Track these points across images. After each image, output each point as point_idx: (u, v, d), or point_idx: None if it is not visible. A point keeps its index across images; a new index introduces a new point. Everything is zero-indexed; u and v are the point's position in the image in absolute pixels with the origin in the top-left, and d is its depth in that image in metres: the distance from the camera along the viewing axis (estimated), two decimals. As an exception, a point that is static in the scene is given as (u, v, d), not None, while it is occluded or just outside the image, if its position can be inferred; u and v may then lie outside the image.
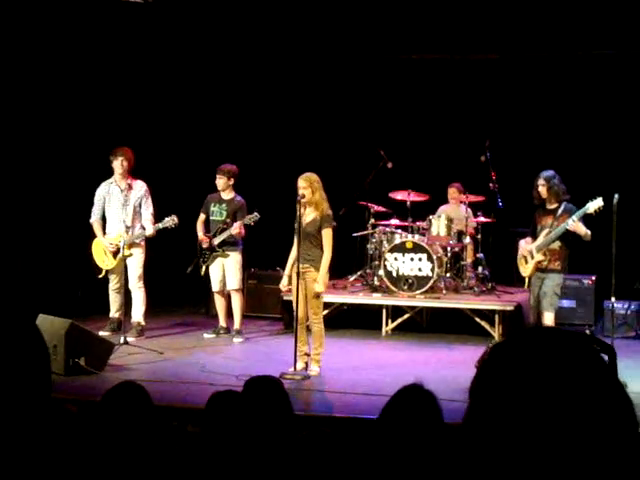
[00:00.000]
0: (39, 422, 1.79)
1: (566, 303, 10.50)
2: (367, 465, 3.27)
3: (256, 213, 10.14)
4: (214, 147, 12.68)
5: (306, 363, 8.40)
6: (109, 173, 10.31)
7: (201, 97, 13.22)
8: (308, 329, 8.58)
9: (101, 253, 10.28)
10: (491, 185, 11.49)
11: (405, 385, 3.47)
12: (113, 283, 10.33)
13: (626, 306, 10.55)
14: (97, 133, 11.61)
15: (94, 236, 10.34)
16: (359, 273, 11.85)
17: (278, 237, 9.58)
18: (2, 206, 10.73)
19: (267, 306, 11.70)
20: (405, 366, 8.76)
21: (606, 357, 1.41)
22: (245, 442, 3.52)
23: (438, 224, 11.27)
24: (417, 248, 10.88)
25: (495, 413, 1.36)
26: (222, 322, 10.57)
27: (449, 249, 11.26)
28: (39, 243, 11.20)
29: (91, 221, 10.33)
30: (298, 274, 8.25)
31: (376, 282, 11.20)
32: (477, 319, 10.44)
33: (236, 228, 10.11)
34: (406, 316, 10.91)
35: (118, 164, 10.13)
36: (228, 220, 10.25)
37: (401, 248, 10.95)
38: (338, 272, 11.46)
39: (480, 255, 11.56)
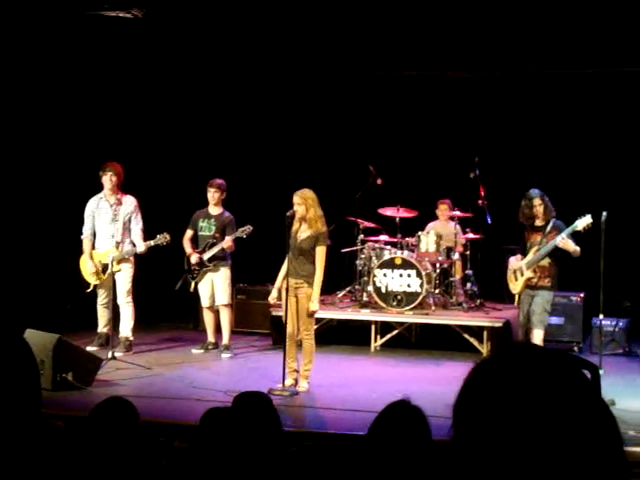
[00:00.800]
0: (28, 437, 1.78)
1: (554, 320, 10.50)
2: (355, 482, 3.26)
3: (249, 225, 10.14)
4: (203, 162, 12.67)
5: (295, 379, 8.38)
6: (99, 187, 10.28)
7: (191, 112, 13.22)
8: (298, 345, 8.57)
9: (87, 269, 10.24)
10: (480, 202, 11.52)
11: (393, 401, 3.47)
12: (101, 298, 10.30)
13: (614, 323, 10.56)
14: (87, 148, 11.60)
15: (83, 251, 10.31)
16: (348, 289, 11.85)
17: (267, 253, 9.58)
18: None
19: (256, 322, 11.67)
20: (394, 382, 8.75)
21: (589, 375, 1.41)
22: (234, 458, 3.51)
23: (427, 240, 11.28)
24: (406, 264, 10.89)
25: (478, 432, 1.36)
26: (211, 337, 10.55)
27: (438, 265, 11.27)
28: (28, 257, 11.17)
29: (82, 237, 10.29)
30: (287, 290, 8.25)
31: (365, 298, 11.20)
32: (466, 335, 10.44)
33: (227, 242, 10.11)
34: (395, 332, 10.91)
35: (107, 179, 10.09)
36: (217, 235, 10.25)
37: (390, 264, 10.95)
38: (327, 288, 11.42)
39: (469, 271, 11.57)
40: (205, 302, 10.43)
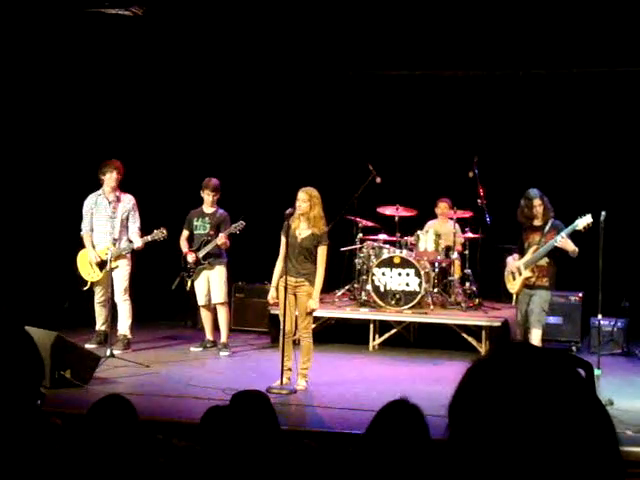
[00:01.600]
0: (28, 434, 1.79)
1: (553, 320, 10.50)
2: (353, 480, 3.26)
3: (242, 221, 10.14)
4: (201, 160, 12.66)
5: (289, 378, 8.36)
6: (96, 184, 10.28)
7: (189, 109, 13.22)
8: (295, 343, 8.57)
9: (86, 265, 10.25)
10: (479, 201, 11.52)
11: (391, 400, 3.47)
12: (99, 296, 10.30)
13: (613, 323, 10.56)
14: (84, 145, 11.59)
15: (83, 247, 10.31)
16: (347, 288, 11.85)
17: (266, 250, 9.56)
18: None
19: (254, 320, 11.67)
20: (392, 381, 8.75)
21: (583, 373, 1.41)
22: (232, 456, 3.50)
23: (426, 239, 11.28)
24: (405, 263, 10.89)
25: (473, 431, 1.36)
26: (209, 335, 10.55)
27: (437, 264, 11.27)
28: (25, 255, 11.16)
29: (82, 233, 10.31)
30: (286, 288, 8.25)
31: (364, 297, 11.20)
32: (464, 335, 10.44)
33: (221, 238, 10.11)
34: (393, 331, 10.90)
35: (110, 178, 10.09)
36: (212, 232, 10.25)
37: (389, 263, 10.95)
38: (326, 286, 11.41)
39: (468, 271, 11.57)
40: (201, 300, 10.42)
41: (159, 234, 10.00)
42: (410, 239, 11.43)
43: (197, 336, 10.86)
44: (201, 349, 10.43)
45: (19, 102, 11.04)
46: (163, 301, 11.93)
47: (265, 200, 12.11)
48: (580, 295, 10.90)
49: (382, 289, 10.92)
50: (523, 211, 8.87)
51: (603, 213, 8.28)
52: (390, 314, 10.86)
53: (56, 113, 11.54)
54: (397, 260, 10.93)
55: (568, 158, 12.57)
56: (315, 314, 9.02)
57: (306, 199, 8.28)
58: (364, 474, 3.25)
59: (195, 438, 3.95)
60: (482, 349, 10.22)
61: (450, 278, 11.45)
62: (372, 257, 11.24)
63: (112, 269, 9.92)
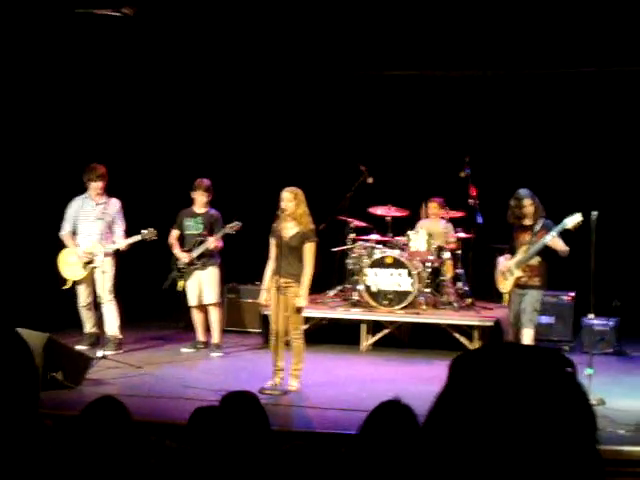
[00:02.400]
0: (24, 437, 1.78)
1: (545, 319, 10.52)
2: (346, 481, 3.26)
3: (237, 222, 10.13)
4: (192, 161, 12.65)
5: (281, 379, 8.36)
6: (80, 186, 10.25)
7: (181, 110, 13.20)
8: (286, 344, 8.56)
9: (67, 264, 10.18)
10: (471, 201, 11.53)
11: (384, 401, 3.47)
12: (82, 298, 10.23)
13: (605, 322, 10.57)
14: (72, 146, 11.55)
15: (64, 248, 10.25)
16: (339, 288, 11.84)
17: (257, 251, 9.56)
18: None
19: (246, 320, 11.68)
20: (384, 381, 8.76)
21: (569, 369, 1.42)
22: (223, 458, 3.50)
23: (418, 239, 11.29)
24: (397, 263, 10.89)
25: (453, 428, 1.36)
26: (200, 336, 10.53)
27: (429, 264, 11.28)
28: (14, 255, 11.11)
29: (61, 234, 10.24)
30: (278, 288, 8.25)
31: (355, 297, 11.20)
32: (456, 335, 10.45)
33: (214, 241, 10.10)
34: (385, 331, 10.90)
35: (97, 185, 10.07)
36: (205, 233, 10.23)
37: (381, 263, 10.95)
38: (317, 287, 11.43)
39: (460, 270, 11.58)
40: (193, 301, 10.39)
41: (148, 234, 9.95)
42: (402, 239, 11.44)
43: (189, 337, 10.83)
44: (192, 350, 10.42)
45: (6, 102, 10.99)
46: (156, 301, 11.91)
47: (256, 200, 12.10)
48: (572, 295, 10.93)
49: (374, 289, 10.92)
50: (513, 211, 8.88)
51: (594, 213, 8.29)
52: (382, 314, 10.86)
53: (46, 113, 11.49)
54: (389, 260, 10.94)
55: (559, 158, 12.61)
56: (307, 314, 9.03)
57: (291, 198, 8.28)
58: (357, 475, 3.25)
59: (185, 438, 3.95)
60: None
61: (442, 278, 11.45)
62: (364, 257, 11.23)
63: (97, 268, 9.85)
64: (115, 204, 10.23)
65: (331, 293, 11.80)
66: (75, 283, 10.21)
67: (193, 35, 12.02)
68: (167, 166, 12.93)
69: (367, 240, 11.59)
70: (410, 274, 10.79)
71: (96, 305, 10.06)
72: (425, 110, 13.17)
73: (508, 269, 8.91)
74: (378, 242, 11.54)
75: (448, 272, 11.47)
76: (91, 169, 10.13)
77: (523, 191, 8.88)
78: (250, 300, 11.56)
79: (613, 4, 10.73)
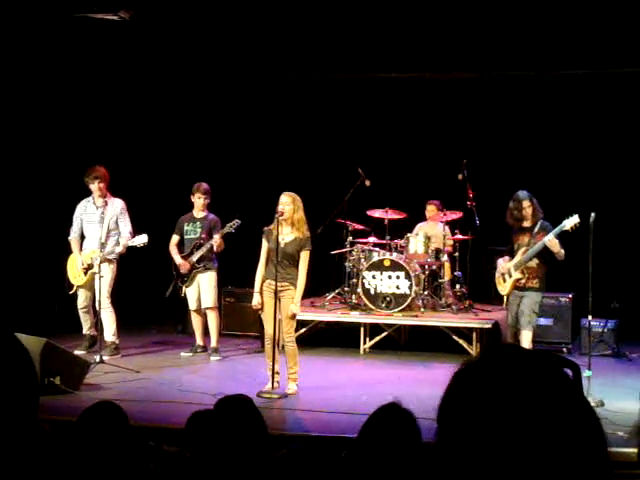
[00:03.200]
0: (23, 443, 1.77)
1: (543, 321, 10.52)
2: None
3: (236, 220, 10.12)
4: (190, 165, 12.65)
5: (278, 382, 8.33)
6: (85, 189, 10.26)
7: (178, 114, 13.20)
8: (282, 348, 8.53)
9: (74, 269, 10.23)
10: (468, 203, 11.53)
11: (383, 404, 3.46)
12: (81, 301, 10.25)
13: (603, 324, 10.57)
14: (73, 150, 11.55)
15: (71, 252, 10.29)
16: (337, 291, 11.84)
17: (255, 255, 9.54)
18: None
19: (244, 324, 11.65)
20: (383, 384, 8.74)
21: (571, 373, 1.41)
22: (221, 462, 3.49)
23: (416, 242, 11.28)
24: (395, 266, 10.89)
25: (461, 435, 1.36)
26: (199, 340, 10.53)
27: (427, 267, 11.27)
28: (14, 260, 11.11)
29: (69, 238, 10.31)
30: (275, 292, 8.23)
31: (354, 300, 11.19)
32: (455, 337, 10.44)
33: (217, 240, 10.09)
34: (384, 334, 10.89)
35: (95, 187, 10.09)
36: (203, 237, 10.23)
37: (379, 266, 10.95)
38: (316, 290, 11.45)
39: (458, 273, 11.58)
40: (192, 305, 10.41)
41: (140, 240, 9.93)
42: (400, 242, 11.43)
43: (187, 341, 10.84)
44: (191, 354, 10.41)
45: (7, 106, 10.99)
46: (154, 306, 11.90)
47: (255, 204, 12.09)
48: (570, 296, 10.92)
49: (372, 292, 10.92)
50: (512, 213, 8.88)
51: (592, 214, 8.29)
52: (380, 317, 10.85)
53: (45, 117, 11.50)
54: (387, 263, 10.93)
55: (557, 160, 12.60)
56: (305, 317, 9.03)
57: (290, 202, 8.26)
58: (356, 478, 3.24)
59: (183, 443, 3.94)
60: (473, 351, 10.21)
61: (440, 280, 11.45)
62: (362, 260, 11.23)
63: (96, 273, 9.87)
64: (117, 204, 10.22)
65: (329, 296, 11.79)
66: (77, 288, 10.23)
67: (191, 39, 12.00)
68: (167, 171, 12.92)
69: (365, 243, 11.58)
70: (408, 277, 10.78)
71: (95, 308, 10.05)
72: (422, 113, 13.17)
73: (507, 271, 8.90)
74: (376, 245, 11.54)
75: (446, 274, 11.48)
76: (89, 170, 10.13)
77: (522, 193, 8.88)
78: (248, 304, 11.53)
79: (609, 6, 10.72)
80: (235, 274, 11.62)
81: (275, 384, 8.26)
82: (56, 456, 3.26)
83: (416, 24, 11.42)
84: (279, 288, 8.24)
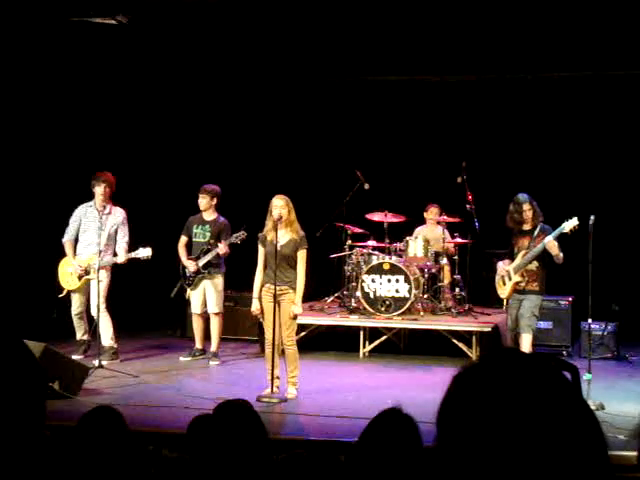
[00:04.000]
0: (30, 448, 1.77)
1: (543, 324, 10.51)
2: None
3: (243, 231, 10.09)
4: (193, 169, 12.65)
5: (277, 387, 8.31)
6: (84, 195, 10.23)
7: (179, 118, 13.19)
8: (282, 352, 8.52)
9: (66, 273, 10.19)
10: (468, 206, 11.52)
11: (384, 409, 3.44)
12: (75, 306, 10.22)
13: (603, 327, 10.57)
14: (71, 155, 11.55)
15: (64, 256, 10.25)
16: (336, 295, 11.83)
17: (252, 258, 9.53)
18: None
19: (244, 328, 11.65)
20: (383, 388, 8.73)
21: (569, 376, 1.40)
22: (221, 467, 3.48)
23: (415, 245, 11.27)
24: (394, 269, 10.87)
25: (461, 439, 1.35)
26: (198, 344, 10.50)
27: (426, 270, 11.26)
28: (11, 265, 11.09)
29: (63, 240, 10.24)
30: (274, 296, 8.22)
31: (353, 304, 11.18)
32: (454, 340, 10.43)
33: (222, 248, 10.06)
34: (383, 338, 10.88)
35: (101, 190, 10.04)
36: (212, 241, 10.20)
37: (378, 269, 10.94)
38: (315, 294, 11.43)
39: (457, 276, 11.57)
40: (196, 309, 10.38)
41: (144, 253, 9.89)
42: (399, 245, 11.42)
43: (186, 345, 10.81)
44: (190, 358, 10.39)
45: (5, 111, 10.99)
46: (153, 310, 11.89)
47: (254, 208, 12.07)
48: (570, 299, 10.91)
49: (372, 296, 10.90)
50: (512, 216, 8.88)
51: (592, 217, 8.29)
52: (380, 321, 10.84)
53: (45, 122, 11.49)
54: (386, 266, 10.92)
55: (556, 163, 12.61)
56: (305, 321, 9.01)
57: (284, 205, 8.27)
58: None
59: (184, 448, 3.93)
60: (473, 355, 10.21)
61: (440, 284, 11.44)
62: (361, 264, 11.23)
63: (91, 279, 9.84)
64: (119, 214, 10.18)
65: (329, 300, 11.79)
66: (70, 291, 10.19)
67: (189, 43, 12.00)
68: (171, 174, 12.92)
69: (364, 246, 11.57)
70: (407, 280, 10.77)
71: (89, 314, 10.02)
72: (421, 116, 13.18)
73: (507, 274, 8.90)
74: (375, 248, 11.52)
75: (446, 278, 11.47)
76: (97, 175, 10.09)
77: (522, 196, 8.88)
78: (247, 308, 11.53)
79: (608, 8, 10.73)
80: (233, 278, 11.59)
81: (275, 389, 8.24)
82: (55, 461, 3.25)
83: (415, 27, 11.42)
84: (278, 292, 8.23)
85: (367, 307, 10.90)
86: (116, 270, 10.23)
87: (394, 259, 11.08)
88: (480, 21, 11.17)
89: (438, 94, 13.10)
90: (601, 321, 10.44)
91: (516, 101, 12.82)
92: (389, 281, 10.85)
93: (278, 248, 8.25)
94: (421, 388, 8.51)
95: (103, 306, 10.01)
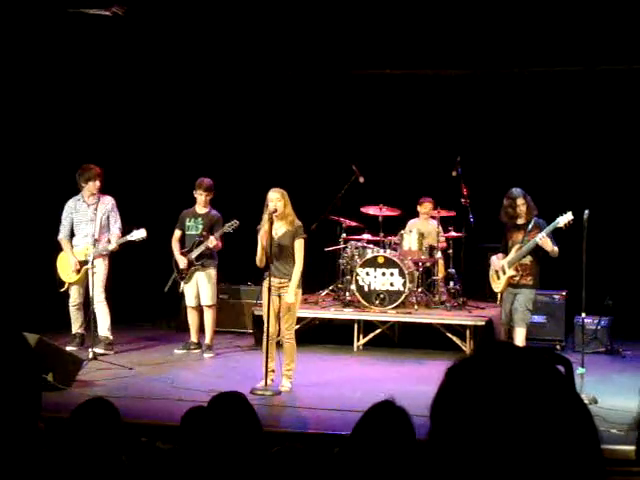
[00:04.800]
0: (24, 441, 1.77)
1: (537, 318, 10.51)
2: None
3: (235, 220, 10.10)
4: (186, 161, 12.63)
5: (272, 380, 8.32)
6: (73, 188, 10.22)
7: (173, 110, 13.16)
8: (278, 344, 8.53)
9: (66, 266, 10.20)
10: (462, 200, 11.52)
11: (378, 402, 3.45)
12: (73, 298, 10.24)
13: (596, 321, 10.59)
14: (63, 148, 11.50)
15: (61, 250, 10.25)
16: (331, 288, 11.84)
17: (250, 251, 9.54)
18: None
19: (238, 321, 11.64)
20: (377, 381, 8.74)
21: (563, 370, 1.41)
22: (215, 458, 3.48)
23: (410, 239, 11.28)
24: (389, 263, 10.88)
25: (454, 432, 1.35)
26: (193, 337, 10.50)
27: (421, 264, 11.27)
28: (6, 257, 11.07)
29: (59, 238, 10.25)
30: (269, 289, 8.23)
31: (348, 297, 11.19)
32: (448, 334, 10.44)
33: (213, 240, 10.06)
34: (378, 331, 10.89)
35: (93, 186, 10.04)
36: (204, 233, 10.20)
37: (373, 263, 10.94)
38: (310, 287, 11.42)
39: (452, 270, 11.58)
40: (190, 302, 10.38)
41: (138, 235, 9.91)
42: (394, 239, 11.43)
43: (180, 338, 10.81)
44: (184, 351, 10.39)
45: (3, 104, 10.95)
46: (147, 302, 11.88)
47: (248, 200, 12.06)
48: (564, 294, 10.93)
49: (366, 289, 10.91)
50: (506, 210, 8.88)
51: (586, 211, 8.30)
52: (374, 314, 10.85)
53: (39, 114, 11.45)
54: (381, 260, 10.93)
55: (551, 157, 12.61)
56: (299, 314, 9.01)
57: (280, 197, 8.29)
58: (350, 475, 3.24)
59: (178, 440, 3.93)
60: (466, 348, 10.22)
61: (434, 278, 11.46)
62: (356, 257, 11.23)
63: (90, 269, 9.85)
64: (108, 202, 10.20)
65: (323, 293, 11.79)
66: (70, 284, 10.21)
67: (185, 35, 11.98)
68: (164, 166, 12.89)
69: (359, 240, 11.58)
70: (402, 274, 10.78)
71: (86, 306, 10.03)
72: (416, 109, 13.17)
73: (501, 268, 8.91)
74: (370, 242, 11.53)
75: (440, 272, 11.48)
76: (88, 169, 10.07)
77: (516, 190, 8.89)
78: (242, 300, 11.56)
79: (602, 3, 10.73)
80: (229, 271, 11.59)
81: (269, 381, 8.25)
82: (48, 452, 3.25)
83: (410, 21, 11.42)
84: (279, 284, 8.26)
85: (361, 300, 10.91)
86: (113, 259, 10.23)
87: (389, 252, 11.09)
88: (475, 15, 11.17)
89: (433, 88, 13.09)
90: (595, 315, 10.46)
91: (511, 95, 12.82)
92: (383, 274, 10.86)
93: (276, 239, 8.27)
94: (414, 381, 8.52)
95: (102, 296, 10.04)
